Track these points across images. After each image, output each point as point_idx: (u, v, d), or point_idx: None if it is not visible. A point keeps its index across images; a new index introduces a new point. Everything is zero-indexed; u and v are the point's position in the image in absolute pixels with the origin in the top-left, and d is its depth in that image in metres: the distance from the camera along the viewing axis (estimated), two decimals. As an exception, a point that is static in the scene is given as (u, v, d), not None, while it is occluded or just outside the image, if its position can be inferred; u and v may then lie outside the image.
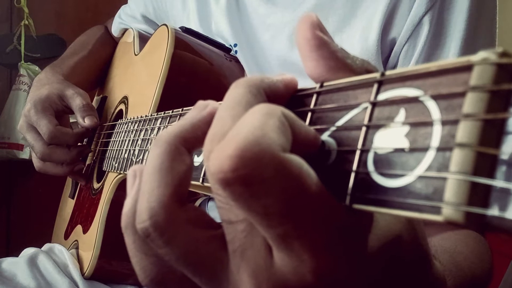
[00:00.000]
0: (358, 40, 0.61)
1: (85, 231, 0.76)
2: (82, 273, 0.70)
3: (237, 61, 0.74)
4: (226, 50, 0.74)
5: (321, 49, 0.23)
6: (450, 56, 0.56)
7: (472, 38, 0.56)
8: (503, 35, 0.61)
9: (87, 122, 0.78)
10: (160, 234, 0.22)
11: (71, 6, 1.55)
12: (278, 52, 0.68)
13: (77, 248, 0.77)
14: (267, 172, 0.18)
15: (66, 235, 0.87)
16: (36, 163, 0.81)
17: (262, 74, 0.71)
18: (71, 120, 0.89)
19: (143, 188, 0.23)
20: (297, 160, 0.19)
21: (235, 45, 0.73)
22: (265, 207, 0.18)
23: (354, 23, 0.61)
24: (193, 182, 0.50)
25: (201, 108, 0.26)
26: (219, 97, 0.80)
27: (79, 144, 0.80)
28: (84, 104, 0.79)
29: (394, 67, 0.60)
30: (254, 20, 0.71)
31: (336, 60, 0.23)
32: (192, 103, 0.70)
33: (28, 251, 0.76)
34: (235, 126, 0.19)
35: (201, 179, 0.48)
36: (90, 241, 0.71)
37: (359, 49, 0.60)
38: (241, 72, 0.73)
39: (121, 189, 0.68)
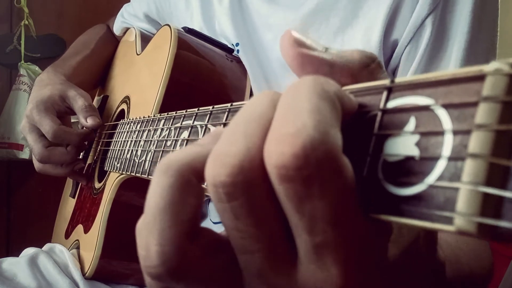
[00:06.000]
0: (360, 41, 0.61)
1: (86, 230, 0.76)
2: (83, 273, 0.71)
3: (238, 61, 0.74)
4: (228, 50, 0.74)
5: (306, 65, 0.23)
6: (452, 58, 0.56)
7: (474, 40, 0.56)
8: (504, 35, 0.61)
9: (89, 122, 0.78)
10: (176, 278, 0.21)
11: (71, 6, 1.55)
12: (280, 53, 0.68)
13: (78, 247, 0.78)
14: (329, 174, 0.17)
15: (67, 235, 0.88)
16: (36, 164, 0.81)
17: (264, 74, 0.71)
18: (72, 120, 0.89)
19: (150, 226, 0.21)
20: (349, 164, 0.18)
21: (237, 44, 0.73)
22: (314, 209, 0.18)
23: (356, 24, 0.61)
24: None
25: (216, 137, 0.23)
26: (220, 97, 0.79)
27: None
28: (87, 105, 0.79)
29: (396, 68, 0.60)
30: (257, 20, 0.71)
31: (328, 66, 0.23)
32: (194, 103, 0.70)
33: (29, 251, 0.76)
34: (300, 115, 0.18)
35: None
36: (91, 241, 0.71)
37: None
38: (243, 73, 0.73)
39: (123, 189, 0.68)
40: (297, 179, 0.17)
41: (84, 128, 0.81)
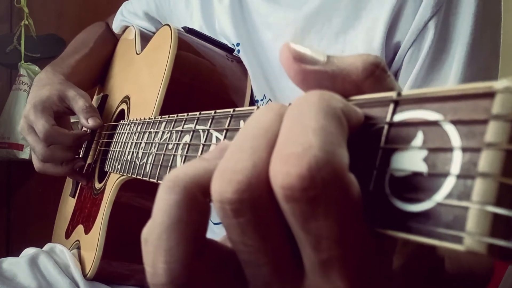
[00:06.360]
0: (362, 42, 0.60)
1: (87, 231, 0.76)
2: (84, 274, 0.71)
3: (238, 61, 0.73)
4: (228, 50, 0.73)
5: (308, 80, 0.22)
6: (455, 60, 0.56)
7: (477, 43, 0.55)
8: (504, 34, 0.61)
9: (91, 123, 0.78)
10: None
11: (71, 6, 1.55)
12: None
13: (78, 248, 0.77)
14: (334, 194, 0.17)
15: (67, 234, 0.87)
16: (36, 164, 0.81)
17: (264, 74, 0.71)
18: (72, 120, 0.89)
19: (157, 244, 0.21)
20: (356, 181, 0.18)
21: (238, 44, 0.73)
22: (320, 228, 0.18)
23: (358, 25, 0.61)
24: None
25: (222, 151, 0.22)
26: (221, 98, 0.79)
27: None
28: (87, 106, 0.79)
29: (398, 70, 0.60)
30: (257, 19, 0.71)
31: (331, 78, 0.22)
32: (195, 104, 0.69)
33: (29, 251, 0.76)
34: (306, 135, 0.18)
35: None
36: (92, 241, 0.71)
37: (363, 52, 0.59)
38: (243, 73, 0.73)
39: (123, 190, 0.68)
40: (303, 199, 0.17)
41: (84, 128, 0.81)
